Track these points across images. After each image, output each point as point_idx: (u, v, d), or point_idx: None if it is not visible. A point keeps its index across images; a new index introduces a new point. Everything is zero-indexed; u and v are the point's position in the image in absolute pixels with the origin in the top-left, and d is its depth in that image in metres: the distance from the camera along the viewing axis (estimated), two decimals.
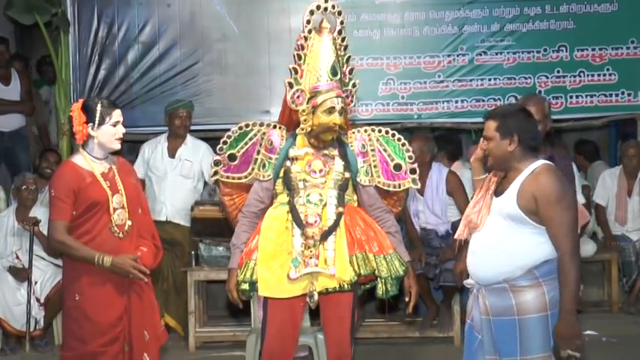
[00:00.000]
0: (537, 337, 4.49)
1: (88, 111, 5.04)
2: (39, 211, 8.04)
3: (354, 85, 5.33)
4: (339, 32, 5.26)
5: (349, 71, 5.31)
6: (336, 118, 5.13)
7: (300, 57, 5.20)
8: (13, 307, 7.93)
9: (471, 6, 9.36)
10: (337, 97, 5.14)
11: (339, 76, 5.20)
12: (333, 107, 5.12)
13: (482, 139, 4.71)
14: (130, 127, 5.21)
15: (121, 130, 5.09)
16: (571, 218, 4.47)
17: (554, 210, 4.43)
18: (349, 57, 5.31)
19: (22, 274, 7.98)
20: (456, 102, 9.40)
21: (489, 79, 9.35)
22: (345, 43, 5.28)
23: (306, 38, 5.20)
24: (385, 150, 5.35)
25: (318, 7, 5.21)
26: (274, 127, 5.36)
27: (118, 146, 5.13)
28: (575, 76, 9.32)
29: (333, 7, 5.24)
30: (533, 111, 5.03)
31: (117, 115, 5.09)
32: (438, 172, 8.10)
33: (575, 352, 4.46)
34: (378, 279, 5.16)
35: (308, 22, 5.20)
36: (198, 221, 7.95)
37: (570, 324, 4.44)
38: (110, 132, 5.06)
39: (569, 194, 4.51)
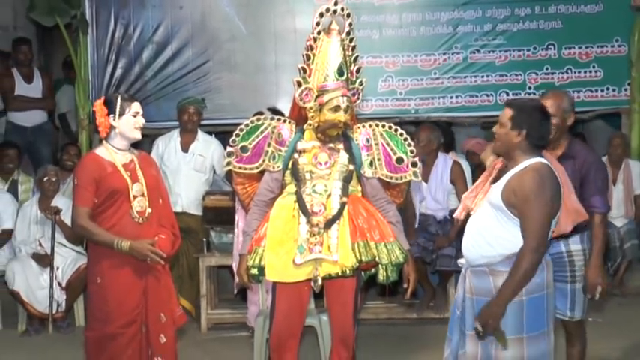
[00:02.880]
0: (511, 320, 4.47)
1: (109, 104, 5.09)
2: (60, 201, 8.04)
3: (360, 84, 5.31)
4: (348, 33, 5.22)
5: (356, 70, 5.29)
6: (341, 116, 5.12)
7: (308, 57, 5.17)
8: (37, 290, 7.93)
9: (465, 7, 9.35)
10: (343, 96, 5.12)
11: (345, 76, 5.17)
12: (339, 106, 5.11)
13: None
14: (145, 122, 5.21)
15: (140, 120, 5.12)
16: (542, 216, 4.42)
17: (528, 206, 4.40)
18: (357, 57, 5.28)
19: (44, 260, 7.98)
20: (451, 97, 9.40)
21: (482, 76, 9.35)
22: (352, 44, 5.24)
23: (315, 39, 5.18)
24: (388, 144, 5.33)
25: (328, 10, 5.17)
26: (284, 121, 5.35)
27: (138, 135, 5.15)
28: (563, 73, 9.31)
29: (342, 9, 5.20)
30: (548, 104, 5.01)
31: (136, 106, 5.12)
32: (444, 162, 8.13)
33: (480, 328, 4.45)
34: (379, 265, 5.16)
35: (317, 23, 5.17)
36: (209, 210, 7.96)
37: (495, 307, 4.43)
38: (130, 122, 5.08)
39: (547, 194, 4.43)
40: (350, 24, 5.23)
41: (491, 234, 4.50)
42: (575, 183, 5.05)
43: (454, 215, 4.93)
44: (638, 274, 9.16)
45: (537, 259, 4.44)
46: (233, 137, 5.34)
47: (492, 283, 4.49)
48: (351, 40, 5.24)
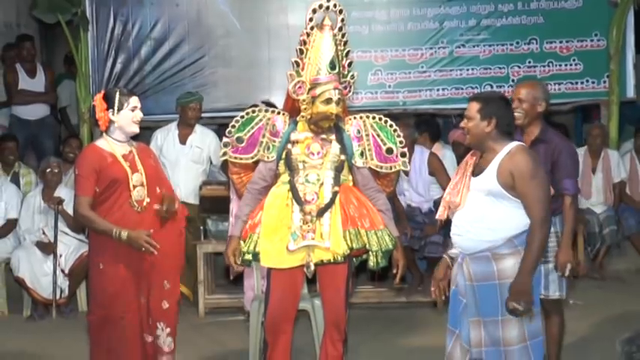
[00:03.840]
0: None
1: (108, 99, 5.09)
2: (63, 192, 8.04)
3: (352, 77, 5.31)
4: (340, 29, 5.21)
5: (348, 64, 5.28)
6: (332, 108, 5.12)
7: (302, 51, 5.16)
8: (41, 277, 7.93)
9: (451, 3, 9.35)
10: (335, 89, 5.12)
11: (337, 70, 5.16)
12: (331, 98, 5.10)
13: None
14: (143, 115, 5.21)
15: (138, 114, 5.12)
16: (543, 191, 4.51)
17: (529, 185, 4.46)
18: (348, 51, 5.27)
19: (48, 248, 7.97)
20: (438, 90, 9.40)
21: (467, 70, 9.35)
22: (344, 39, 5.23)
23: (308, 34, 5.17)
24: (378, 135, 5.33)
25: (320, 6, 5.16)
26: (278, 113, 5.35)
27: (136, 129, 5.15)
28: (544, 66, 9.32)
29: (335, 5, 5.19)
30: (523, 91, 5.21)
31: (134, 101, 5.12)
32: (420, 154, 8.09)
33: (518, 306, 4.47)
34: (370, 252, 5.17)
35: (311, 19, 5.16)
36: (206, 199, 7.98)
37: (523, 282, 4.47)
38: (129, 116, 5.08)
39: (541, 171, 4.54)
40: (342, 19, 5.22)
41: (491, 220, 4.52)
42: (547, 166, 5.15)
43: (436, 217, 4.91)
44: (616, 258, 9.20)
45: (548, 229, 4.55)
46: (229, 128, 5.34)
47: (495, 267, 4.52)
48: (343, 35, 5.23)
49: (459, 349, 4.67)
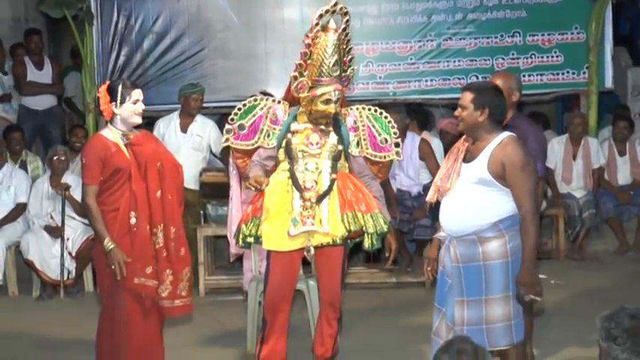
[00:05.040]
0: (499, 279, 4.52)
1: (111, 92, 5.05)
2: (69, 178, 8.05)
3: (352, 71, 5.29)
4: (344, 29, 5.17)
5: (349, 60, 5.26)
6: (331, 108, 5.13)
7: (306, 54, 5.11)
8: (49, 260, 7.94)
9: None
10: (335, 90, 5.11)
11: (339, 72, 5.14)
12: (330, 99, 5.11)
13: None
14: (146, 105, 5.19)
15: (140, 106, 5.09)
16: (532, 183, 4.51)
17: (519, 176, 4.46)
18: (350, 48, 5.25)
19: (56, 231, 7.98)
20: (426, 81, 9.38)
21: (454, 61, 9.34)
22: (347, 37, 5.20)
23: (313, 38, 5.09)
24: (374, 126, 5.35)
25: (327, 11, 5.10)
26: (279, 102, 5.36)
27: (139, 120, 5.13)
28: (527, 58, 9.31)
29: (341, 9, 5.14)
30: (498, 83, 5.09)
31: (136, 94, 5.08)
32: (412, 140, 8.15)
33: (536, 297, 4.50)
34: (365, 234, 5.19)
35: (317, 24, 5.10)
36: (206, 185, 7.98)
37: (531, 272, 4.49)
38: (130, 109, 5.05)
39: (531, 162, 4.53)
40: (347, 20, 5.18)
41: (479, 205, 4.51)
42: None
43: (426, 199, 4.92)
44: (595, 240, 9.23)
45: (538, 219, 4.55)
46: (232, 116, 5.34)
47: (480, 249, 4.52)
48: (346, 35, 5.20)
49: (445, 327, 4.68)
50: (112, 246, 4.92)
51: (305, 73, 5.14)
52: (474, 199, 4.53)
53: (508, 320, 4.55)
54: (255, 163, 5.33)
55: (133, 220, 5.00)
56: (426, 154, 8.06)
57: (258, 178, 5.10)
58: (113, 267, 4.92)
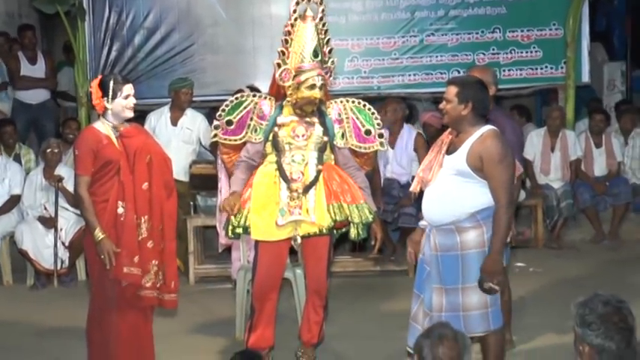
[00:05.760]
0: (476, 268, 4.53)
1: (103, 87, 5.03)
2: (63, 170, 8.02)
3: (332, 63, 5.32)
4: (321, 19, 5.22)
5: (329, 51, 5.29)
6: (316, 93, 5.15)
7: (287, 41, 5.18)
8: (43, 249, 7.92)
9: None
10: (318, 75, 5.14)
11: (319, 57, 5.19)
12: (314, 84, 5.14)
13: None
14: (137, 99, 5.18)
15: (131, 101, 5.07)
16: (509, 176, 4.52)
17: (496, 169, 4.47)
18: (329, 39, 5.29)
19: (49, 222, 7.96)
20: (409, 75, 9.39)
21: (436, 56, 9.35)
22: (325, 28, 5.25)
23: (292, 25, 5.17)
24: (358, 118, 5.37)
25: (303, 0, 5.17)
26: (265, 97, 5.37)
27: (130, 114, 5.11)
28: (507, 53, 9.33)
29: None
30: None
31: (127, 89, 5.06)
32: (409, 132, 8.32)
33: (495, 286, 4.50)
34: (351, 224, 5.20)
35: (294, 11, 5.16)
36: (196, 177, 7.97)
37: (495, 262, 4.49)
38: (122, 104, 5.03)
39: (509, 156, 4.53)
40: (322, 10, 5.24)
41: (457, 196, 4.53)
42: None
43: (410, 189, 4.94)
44: (572, 229, 9.26)
45: (511, 211, 4.56)
46: (219, 112, 5.36)
47: (458, 238, 4.53)
48: (323, 25, 5.25)
49: (422, 313, 4.69)
50: (102, 236, 4.92)
51: (287, 61, 5.16)
52: (452, 190, 4.54)
53: (485, 308, 4.57)
54: (241, 160, 5.34)
55: (120, 210, 5.00)
56: (420, 147, 8.15)
57: (230, 203, 5.17)
58: (102, 257, 4.92)
